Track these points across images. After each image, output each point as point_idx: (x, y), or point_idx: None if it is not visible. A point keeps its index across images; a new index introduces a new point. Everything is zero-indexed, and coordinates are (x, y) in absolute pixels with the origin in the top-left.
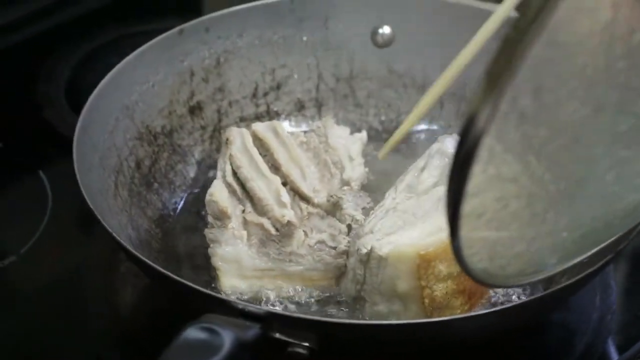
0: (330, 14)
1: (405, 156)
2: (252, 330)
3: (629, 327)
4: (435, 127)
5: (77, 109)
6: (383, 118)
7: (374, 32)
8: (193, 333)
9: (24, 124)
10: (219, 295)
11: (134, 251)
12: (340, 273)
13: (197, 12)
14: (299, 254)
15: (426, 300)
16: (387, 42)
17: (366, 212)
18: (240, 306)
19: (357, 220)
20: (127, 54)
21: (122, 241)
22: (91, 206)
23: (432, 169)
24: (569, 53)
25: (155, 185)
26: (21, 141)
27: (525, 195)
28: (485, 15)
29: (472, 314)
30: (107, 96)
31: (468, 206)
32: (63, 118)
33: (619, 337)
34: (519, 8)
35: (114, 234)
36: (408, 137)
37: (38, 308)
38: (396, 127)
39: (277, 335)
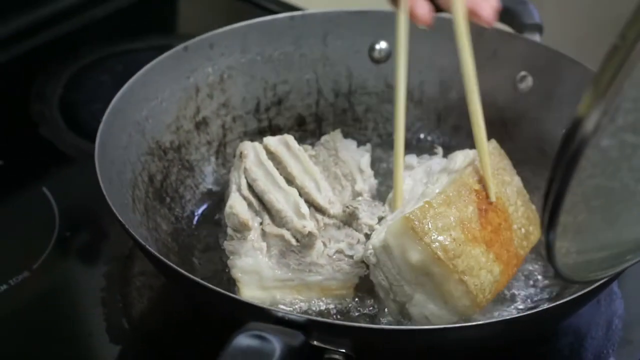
0: (329, 31)
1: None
2: (298, 337)
3: None
4: (433, 140)
5: (71, 126)
6: (382, 132)
7: (371, 48)
8: (243, 340)
9: (22, 142)
10: (260, 304)
11: (182, 270)
12: (358, 282)
13: (173, 31)
14: (318, 264)
15: (440, 253)
16: (384, 58)
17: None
18: (280, 314)
19: (374, 229)
20: (116, 71)
21: (167, 261)
22: (121, 219)
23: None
24: None
25: (168, 199)
26: (22, 158)
27: (616, 197)
28: (477, 29)
29: (489, 321)
30: (120, 112)
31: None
32: (59, 135)
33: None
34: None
35: (157, 254)
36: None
37: (55, 322)
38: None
39: (316, 342)
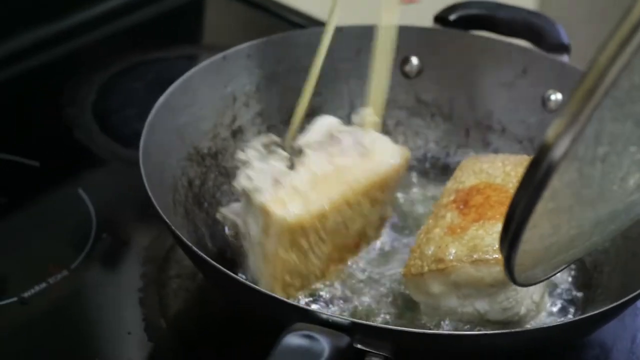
0: (362, 45)
1: (435, 183)
2: (343, 339)
3: None
4: (461, 156)
5: (105, 130)
6: (411, 145)
7: (403, 63)
8: (293, 339)
9: (57, 144)
10: (305, 307)
11: (231, 273)
12: None
13: (199, 41)
14: None
15: (439, 266)
16: (415, 73)
17: None
18: (325, 316)
19: None
20: (147, 79)
21: (216, 264)
22: (167, 221)
23: None
24: None
25: (205, 204)
26: (57, 160)
27: (575, 219)
28: (508, 48)
29: (534, 327)
30: (162, 117)
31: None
32: (93, 138)
33: None
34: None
35: (205, 256)
36: (435, 164)
37: (94, 320)
38: (424, 154)
39: (359, 345)
